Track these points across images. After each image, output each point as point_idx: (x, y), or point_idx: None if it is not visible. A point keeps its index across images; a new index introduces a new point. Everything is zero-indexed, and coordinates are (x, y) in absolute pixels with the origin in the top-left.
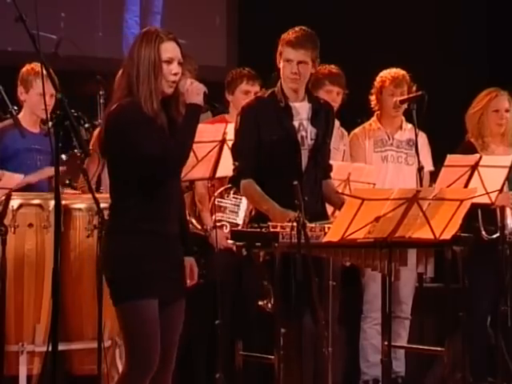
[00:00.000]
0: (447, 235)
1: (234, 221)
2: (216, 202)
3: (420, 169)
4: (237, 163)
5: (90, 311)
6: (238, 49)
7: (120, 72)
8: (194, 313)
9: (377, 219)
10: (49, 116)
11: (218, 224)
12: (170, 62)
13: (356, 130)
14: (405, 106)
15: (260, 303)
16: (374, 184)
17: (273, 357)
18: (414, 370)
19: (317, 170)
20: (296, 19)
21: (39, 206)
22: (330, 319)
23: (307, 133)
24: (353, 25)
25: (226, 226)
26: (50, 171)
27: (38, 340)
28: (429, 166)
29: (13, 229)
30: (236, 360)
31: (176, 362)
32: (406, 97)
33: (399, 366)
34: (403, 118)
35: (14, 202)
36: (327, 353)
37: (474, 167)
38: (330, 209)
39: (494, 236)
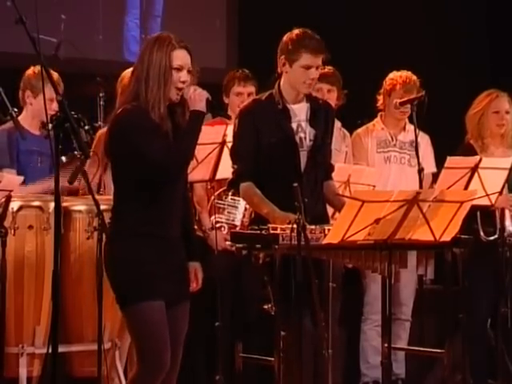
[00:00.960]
0: (447, 237)
1: (232, 222)
2: (215, 204)
3: (420, 170)
4: (236, 166)
5: (89, 313)
6: (237, 51)
7: (129, 74)
8: (193, 315)
9: (377, 221)
10: (49, 118)
11: (217, 225)
12: (179, 69)
13: (359, 130)
14: (408, 109)
15: (265, 307)
16: (374, 186)
17: (273, 359)
18: (414, 371)
19: (317, 171)
20: (296, 21)
21: (39, 207)
22: (330, 321)
23: (306, 134)
24: (353, 27)
25: (224, 228)
26: (49, 184)
27: (38, 342)
28: (431, 168)
29: (13, 231)
30: (236, 362)
31: None
32: (406, 99)
33: (399, 367)
34: (407, 120)
35: (14, 204)
36: (327, 355)
37: (474, 169)
38: (330, 210)
39: (492, 238)
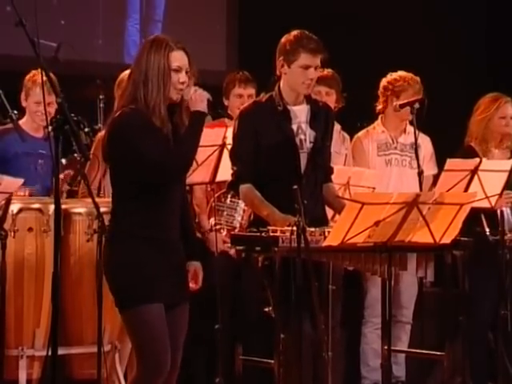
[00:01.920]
0: (447, 239)
1: (231, 224)
2: (214, 206)
3: (420, 173)
4: (235, 168)
5: (89, 315)
6: (237, 53)
7: (126, 77)
8: (193, 317)
9: (377, 223)
10: (49, 121)
11: (216, 227)
12: (178, 70)
13: (359, 134)
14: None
15: (265, 309)
16: (374, 188)
17: (272, 361)
18: (414, 374)
19: (317, 173)
20: (295, 23)
21: (39, 210)
22: (331, 323)
23: (306, 136)
24: (353, 29)
25: (224, 230)
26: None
27: (38, 344)
28: (432, 170)
29: (13, 233)
30: (236, 364)
31: None
32: (405, 101)
33: (399, 370)
34: (407, 122)
35: (14, 207)
36: (327, 357)
37: (474, 171)
38: (330, 212)
39: (498, 237)
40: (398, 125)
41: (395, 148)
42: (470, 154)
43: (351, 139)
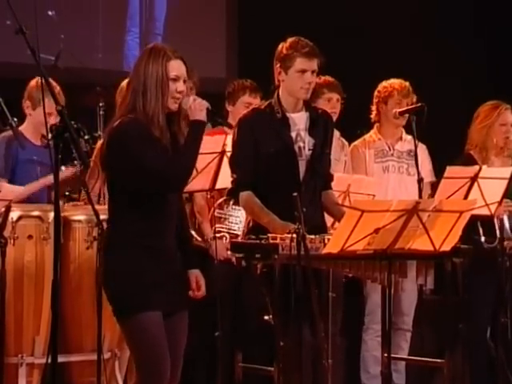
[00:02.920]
0: (447, 247)
1: (234, 232)
2: (215, 213)
3: (420, 180)
4: (235, 175)
5: (89, 323)
6: (237, 60)
7: (123, 87)
8: (193, 325)
9: (376, 231)
10: (48, 129)
11: (218, 235)
12: (176, 79)
13: (356, 142)
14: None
15: (266, 317)
16: (374, 195)
17: (272, 368)
18: (414, 381)
19: (315, 180)
20: (295, 32)
21: (39, 217)
22: (331, 331)
23: (305, 143)
24: (351, 37)
25: (226, 237)
26: (49, 179)
27: (38, 352)
28: (429, 177)
29: (12, 240)
30: (236, 372)
31: None
32: (405, 108)
33: (399, 378)
34: (403, 130)
35: (14, 214)
36: (327, 365)
37: (474, 179)
38: (329, 220)
39: (494, 245)
40: (394, 132)
41: (392, 155)
42: (470, 161)
43: (349, 147)
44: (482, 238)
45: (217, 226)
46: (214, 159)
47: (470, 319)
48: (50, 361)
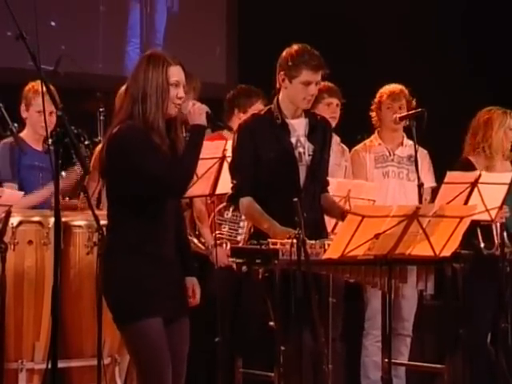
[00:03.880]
0: (447, 252)
1: (235, 238)
2: (216, 220)
3: (420, 185)
4: (235, 181)
5: (89, 328)
6: (237, 66)
7: (123, 92)
8: (193, 330)
9: (377, 236)
10: (49, 133)
11: (218, 241)
12: (176, 85)
13: (357, 147)
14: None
15: (271, 323)
16: (374, 201)
17: (273, 374)
18: None
19: (315, 185)
20: (295, 37)
21: (39, 223)
22: (331, 336)
23: (305, 149)
24: (352, 42)
25: (227, 243)
26: (51, 189)
27: (38, 357)
28: (430, 183)
29: (12, 246)
30: (236, 377)
31: None
32: (405, 113)
33: (400, 383)
34: (404, 135)
35: (14, 219)
36: (327, 370)
37: (474, 184)
38: (329, 225)
39: (492, 251)
40: (393, 137)
41: (392, 160)
42: (468, 166)
43: (350, 152)
44: (482, 244)
45: (217, 232)
46: (214, 164)
47: (471, 324)
48: (50, 366)
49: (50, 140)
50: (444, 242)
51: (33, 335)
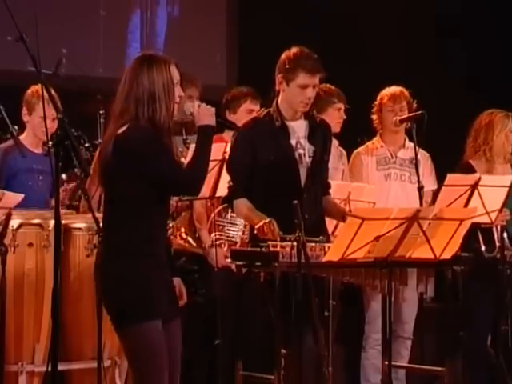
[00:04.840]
0: (447, 255)
1: (232, 239)
2: (215, 221)
3: (420, 188)
4: (231, 183)
5: (89, 331)
6: (237, 68)
7: (120, 98)
8: (193, 333)
9: (377, 239)
10: (49, 137)
11: (217, 242)
12: (177, 84)
13: (359, 149)
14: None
15: (283, 351)
16: (375, 203)
17: (273, 377)
18: None
19: (316, 187)
20: (295, 39)
21: (39, 225)
22: (331, 339)
23: (305, 150)
24: (353, 45)
25: (225, 245)
26: None
27: (38, 360)
28: (431, 185)
29: (13, 248)
30: (236, 380)
31: None
32: (405, 116)
33: None
34: (406, 137)
35: (14, 222)
36: (327, 373)
37: (474, 187)
38: (330, 226)
39: (493, 254)
40: (395, 139)
41: (394, 162)
42: (469, 170)
43: (351, 154)
44: (483, 247)
45: (215, 233)
46: (214, 167)
47: (471, 327)
48: (50, 369)
49: (50, 143)
50: (444, 244)
51: (33, 337)
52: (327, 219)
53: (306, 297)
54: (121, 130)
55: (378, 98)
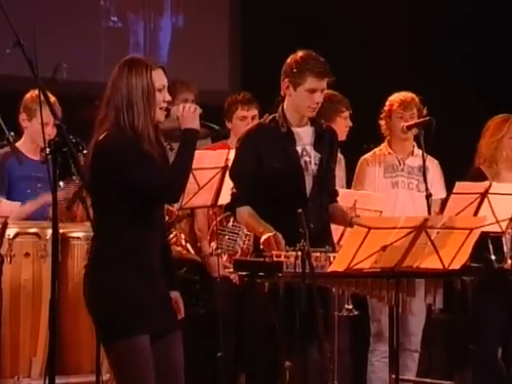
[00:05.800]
0: (456, 265)
1: (233, 248)
2: (215, 230)
3: (428, 196)
4: (234, 190)
5: (87, 343)
6: (240, 73)
7: (103, 104)
8: (195, 345)
9: (383, 248)
10: (47, 143)
11: (218, 251)
12: (161, 89)
13: (366, 156)
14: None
15: (287, 363)
16: (381, 212)
17: None
18: None
19: (322, 195)
20: (298, 44)
21: (36, 234)
22: (336, 351)
23: (311, 158)
24: (357, 50)
25: (225, 254)
26: (47, 198)
27: (35, 373)
28: (440, 194)
29: (9, 258)
30: None
31: None
32: (413, 122)
33: None
34: (415, 144)
35: (11, 231)
36: None
37: (484, 194)
38: (336, 235)
39: (503, 264)
40: (403, 146)
41: (402, 170)
42: (479, 176)
43: (357, 161)
44: (493, 257)
45: (216, 242)
46: (216, 174)
47: (480, 339)
48: (47, 382)
49: (47, 149)
50: (453, 254)
51: (30, 350)
52: (333, 228)
53: (311, 308)
54: (101, 137)
55: (388, 103)
